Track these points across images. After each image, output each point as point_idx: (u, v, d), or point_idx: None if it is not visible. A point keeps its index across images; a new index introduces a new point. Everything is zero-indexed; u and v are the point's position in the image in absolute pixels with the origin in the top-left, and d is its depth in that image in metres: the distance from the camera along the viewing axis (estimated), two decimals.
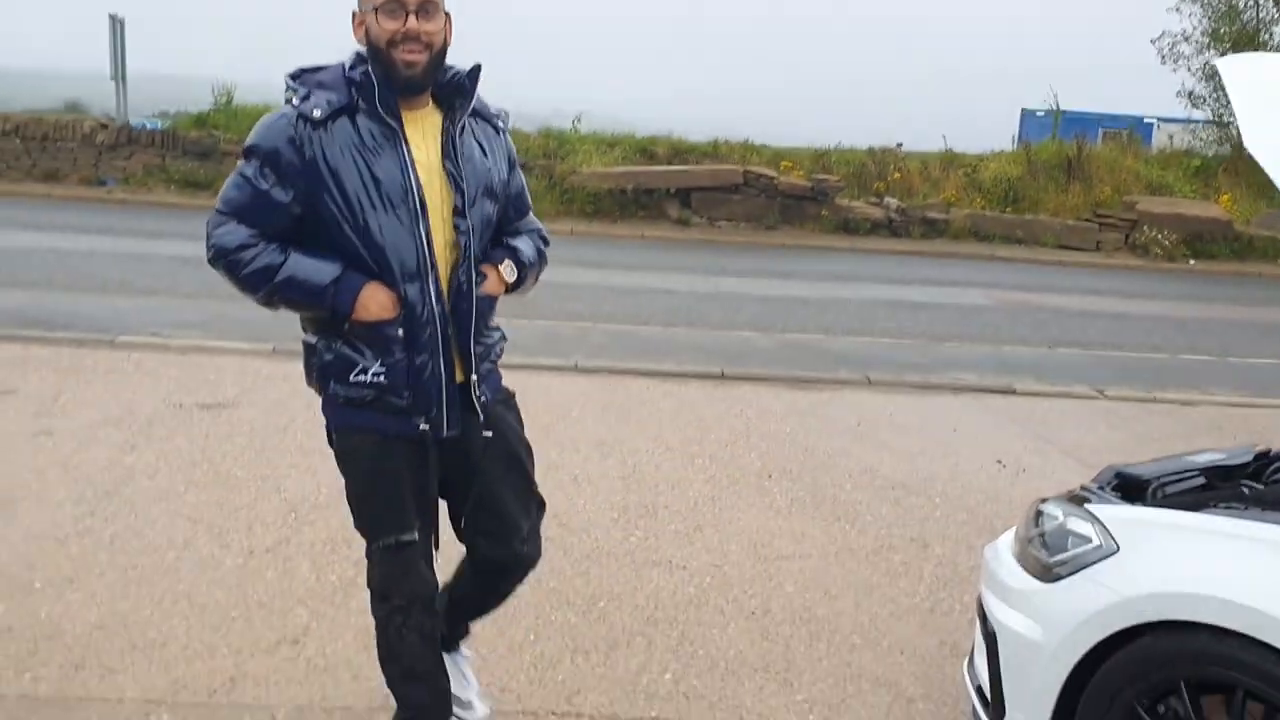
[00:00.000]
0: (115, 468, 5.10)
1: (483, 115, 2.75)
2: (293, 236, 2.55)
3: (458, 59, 2.68)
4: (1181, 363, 9.59)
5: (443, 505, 2.87)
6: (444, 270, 2.61)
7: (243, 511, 4.68)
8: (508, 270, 2.78)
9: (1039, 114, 25.11)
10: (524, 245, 2.89)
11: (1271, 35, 22.56)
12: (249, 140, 2.55)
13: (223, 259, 2.53)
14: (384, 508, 2.67)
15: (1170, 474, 3.09)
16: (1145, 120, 25.14)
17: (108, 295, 9.15)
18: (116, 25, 17.21)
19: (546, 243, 3.01)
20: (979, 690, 3.10)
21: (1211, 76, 21.62)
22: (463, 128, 2.67)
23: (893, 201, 17.80)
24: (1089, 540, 2.79)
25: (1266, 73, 3.24)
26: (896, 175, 19.00)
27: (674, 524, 4.93)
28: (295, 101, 2.50)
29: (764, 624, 4.02)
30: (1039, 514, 3.08)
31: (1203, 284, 15.46)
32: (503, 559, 2.90)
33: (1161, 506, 2.90)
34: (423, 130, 2.61)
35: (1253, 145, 3.01)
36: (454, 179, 2.62)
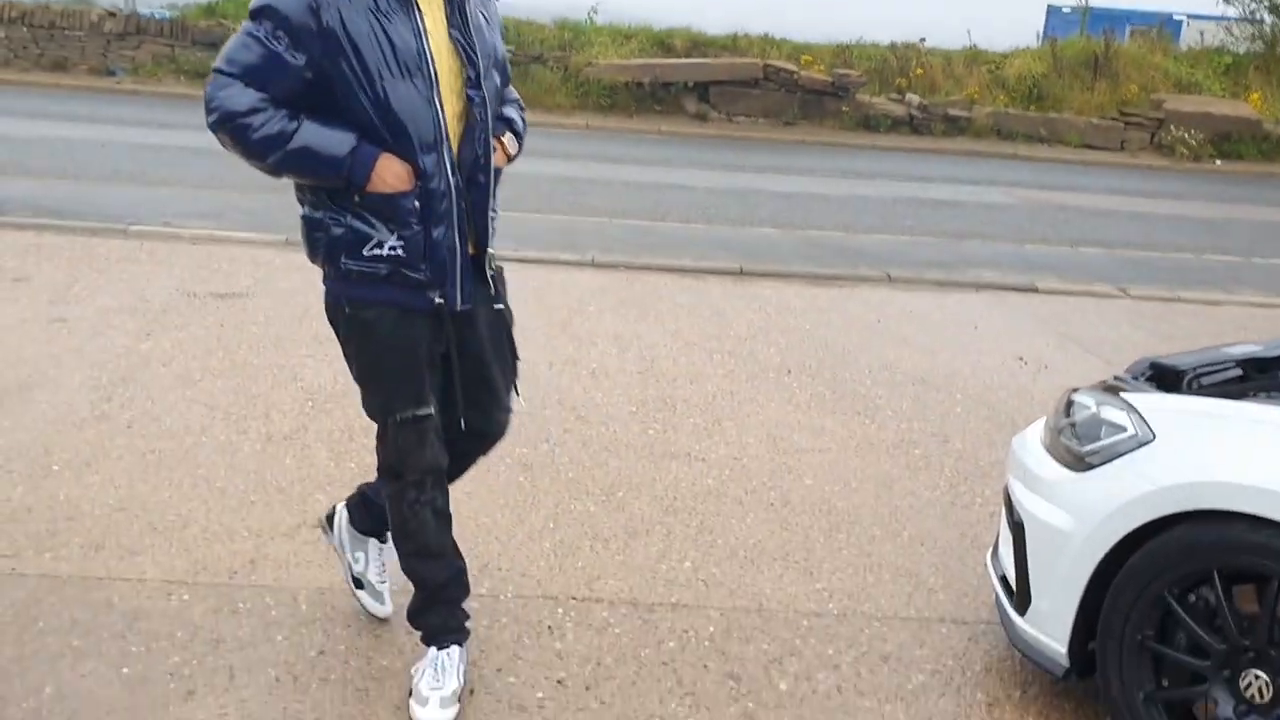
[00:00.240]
0: (130, 355, 5.06)
1: None
2: (300, 103, 2.46)
3: None
4: (1206, 263, 9.44)
5: None
6: (454, 142, 2.56)
7: (259, 399, 4.66)
8: (510, 143, 2.76)
9: (1065, 10, 24.39)
10: (515, 116, 2.85)
11: None
12: (260, 1, 2.43)
13: (229, 122, 2.42)
14: (399, 381, 2.63)
15: (1206, 365, 3.02)
16: (1175, 17, 24.40)
17: (120, 185, 9.04)
18: None
19: (524, 112, 2.97)
20: (1003, 580, 3.08)
21: None
22: None
23: (914, 98, 17.41)
24: (1124, 429, 2.73)
25: None
26: (919, 71, 18.53)
27: (692, 417, 4.89)
28: None
29: (783, 515, 4.01)
30: (1070, 403, 3.02)
31: (1229, 184, 15.17)
32: (485, 429, 2.86)
33: (1198, 396, 2.83)
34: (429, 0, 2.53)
35: None
36: (465, 50, 2.55)
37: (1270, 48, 19.73)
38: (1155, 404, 2.74)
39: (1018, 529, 2.93)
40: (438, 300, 2.57)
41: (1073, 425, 2.93)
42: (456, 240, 2.57)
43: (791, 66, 17.02)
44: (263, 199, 7.35)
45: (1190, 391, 2.90)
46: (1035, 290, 7.81)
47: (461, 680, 2.75)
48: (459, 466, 2.91)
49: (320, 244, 2.57)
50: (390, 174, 2.46)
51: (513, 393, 2.89)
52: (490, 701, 2.79)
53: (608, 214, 9.50)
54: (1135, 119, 17.44)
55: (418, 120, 2.47)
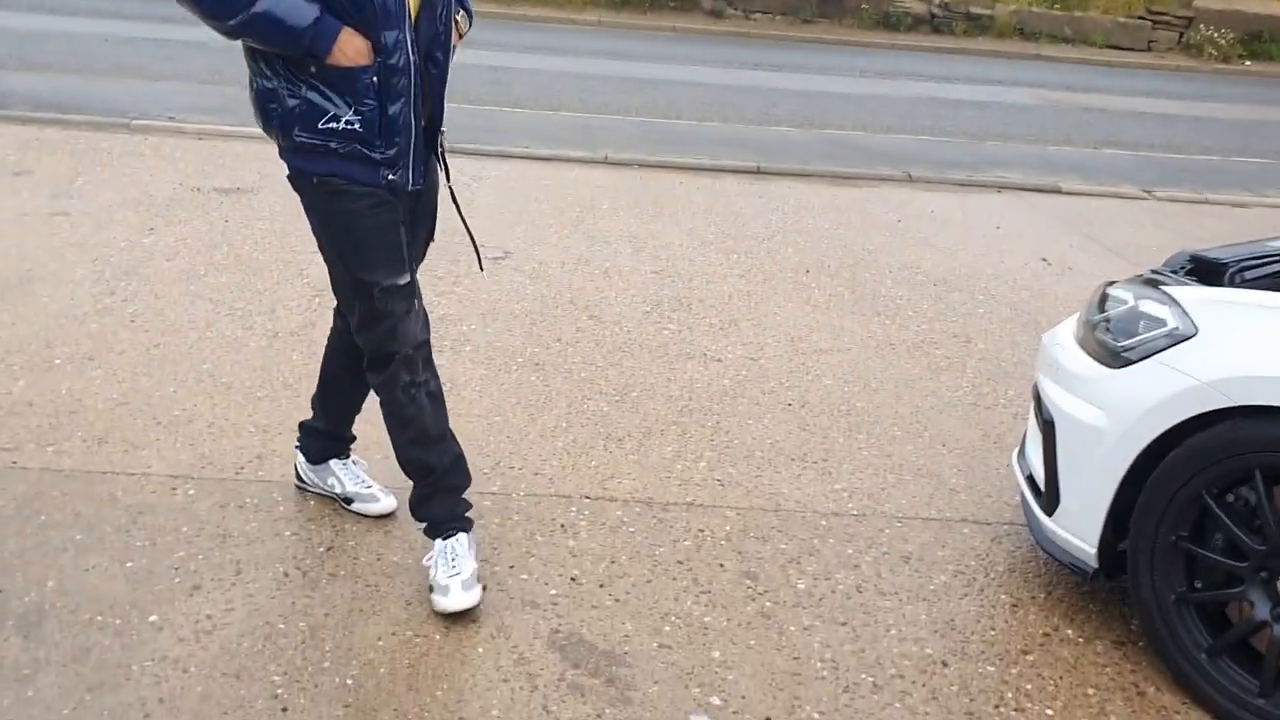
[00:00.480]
0: (134, 249, 4.95)
1: None
2: None
3: None
4: (1234, 165, 9.20)
5: None
6: (415, 16, 2.49)
7: (265, 295, 4.55)
8: (463, 21, 2.71)
9: None
10: None
11: None
12: None
13: None
14: (379, 250, 2.57)
15: (1249, 258, 2.88)
16: None
17: (122, 79, 8.82)
18: None
19: None
20: (1030, 480, 2.99)
21: None
22: None
23: None
24: (1163, 323, 2.61)
25: None
26: None
27: (708, 318, 4.77)
28: None
29: (801, 415, 3.91)
30: (1105, 297, 2.90)
31: (1258, 85, 14.78)
32: None
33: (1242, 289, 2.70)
34: None
35: None
36: None
37: None
38: (1197, 296, 2.62)
39: (1047, 427, 2.82)
40: (390, 178, 2.52)
41: (1107, 320, 2.81)
42: (412, 119, 2.51)
43: None
44: None
45: (1233, 285, 2.77)
46: (1059, 191, 7.62)
47: (476, 562, 2.70)
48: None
49: (274, 115, 2.50)
50: (351, 48, 2.40)
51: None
52: (503, 598, 2.72)
53: (621, 111, 9.28)
54: (1163, 18, 16.96)
55: None
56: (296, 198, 2.64)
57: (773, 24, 15.96)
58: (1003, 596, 2.94)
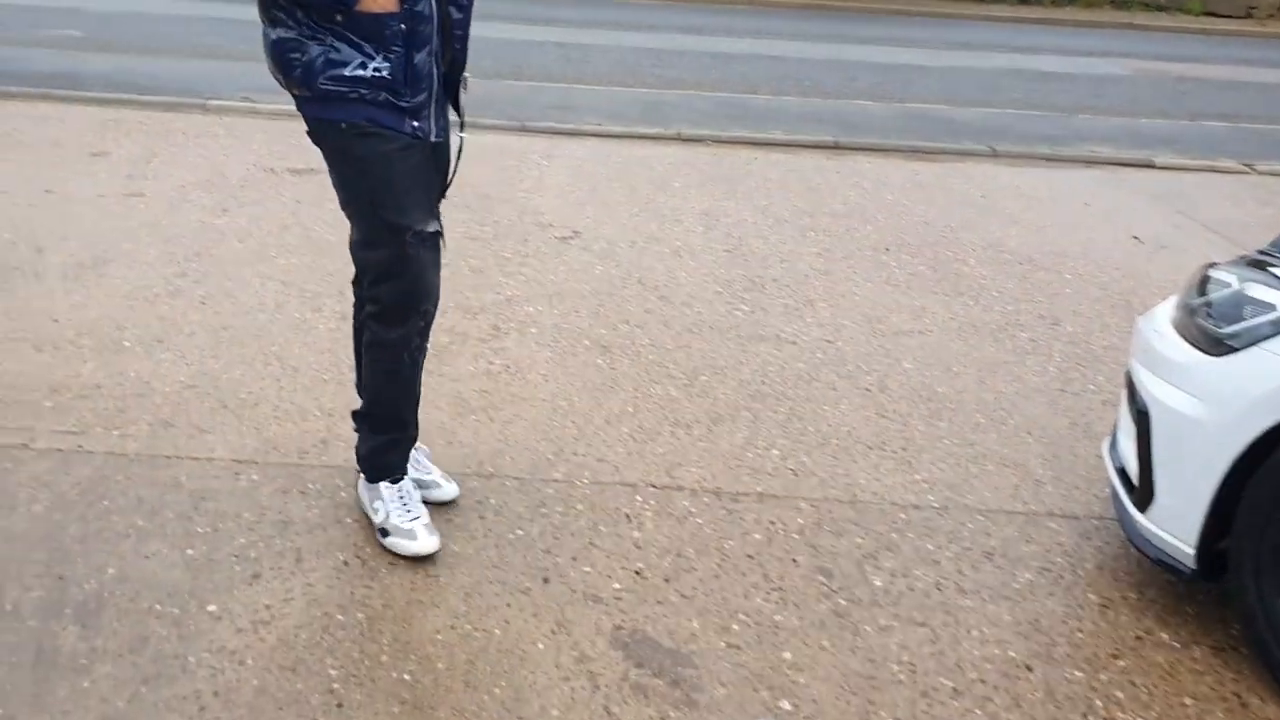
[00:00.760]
0: (206, 230, 4.95)
1: None
2: None
3: None
4: None
5: None
6: None
7: (335, 276, 4.51)
8: None
9: None
10: None
11: None
12: None
13: None
14: (413, 192, 2.54)
15: None
16: None
17: (199, 59, 8.92)
18: None
19: None
20: (1122, 473, 2.82)
21: None
22: None
23: None
24: (1272, 308, 2.42)
25: None
26: None
27: (783, 298, 4.63)
28: None
29: (880, 401, 3.76)
30: (1207, 279, 2.71)
31: None
32: None
33: None
34: None
35: None
36: None
37: None
38: None
39: (1141, 417, 2.65)
40: (415, 125, 2.49)
41: (1208, 304, 2.62)
42: (434, 68, 2.49)
43: None
44: None
45: None
46: (1152, 166, 7.30)
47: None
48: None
49: (296, 65, 2.43)
50: None
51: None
52: (564, 591, 2.64)
53: (695, 87, 9.13)
54: None
55: None
56: None
57: None
58: (1091, 596, 2.78)
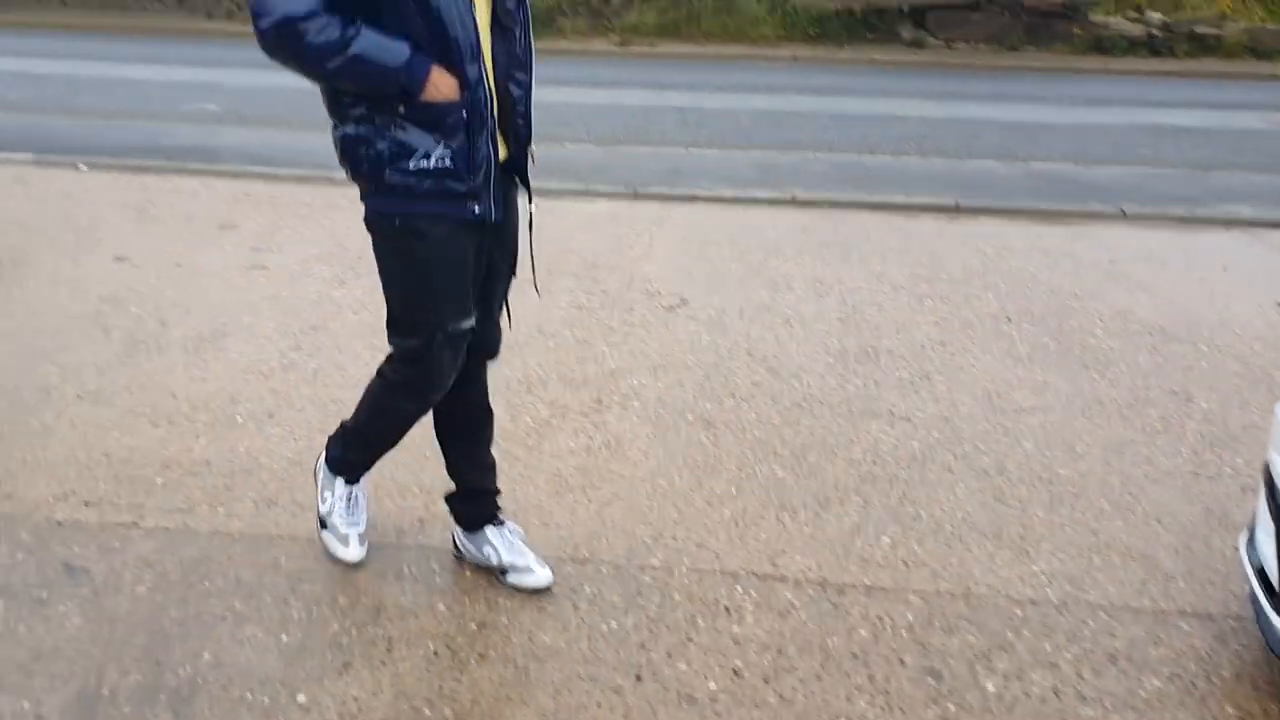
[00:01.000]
0: (324, 302, 5.05)
1: None
2: (349, 12, 2.39)
3: None
4: None
5: None
6: (487, 50, 2.51)
7: None
8: None
9: None
10: None
11: None
12: None
13: (287, 26, 2.35)
14: (448, 294, 2.60)
15: None
16: None
17: (329, 132, 9.19)
18: None
19: None
20: (1260, 573, 2.60)
21: None
22: None
23: (1156, 16, 15.94)
24: None
25: None
26: None
27: (897, 370, 4.49)
28: None
29: (998, 484, 3.59)
30: None
31: None
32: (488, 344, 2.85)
33: None
34: None
35: None
36: None
37: None
38: None
39: None
40: (477, 210, 2.53)
41: None
42: (491, 150, 2.53)
43: None
44: None
45: None
46: None
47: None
48: (471, 388, 2.87)
49: (363, 160, 2.52)
50: (445, 84, 2.42)
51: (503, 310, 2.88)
52: (657, 690, 2.54)
53: (812, 148, 9.04)
54: None
55: (462, 32, 2.42)
56: None
57: (976, 53, 15.36)
58: (1228, 708, 2.56)
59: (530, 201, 2.72)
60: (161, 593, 2.85)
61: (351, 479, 3.00)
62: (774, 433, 3.90)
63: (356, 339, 4.62)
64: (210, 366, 4.29)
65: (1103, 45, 15.41)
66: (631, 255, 5.92)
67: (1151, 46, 15.49)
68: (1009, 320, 5.09)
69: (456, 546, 3.04)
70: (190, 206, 6.60)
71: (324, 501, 3.01)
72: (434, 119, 2.44)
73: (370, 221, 2.63)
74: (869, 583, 3.01)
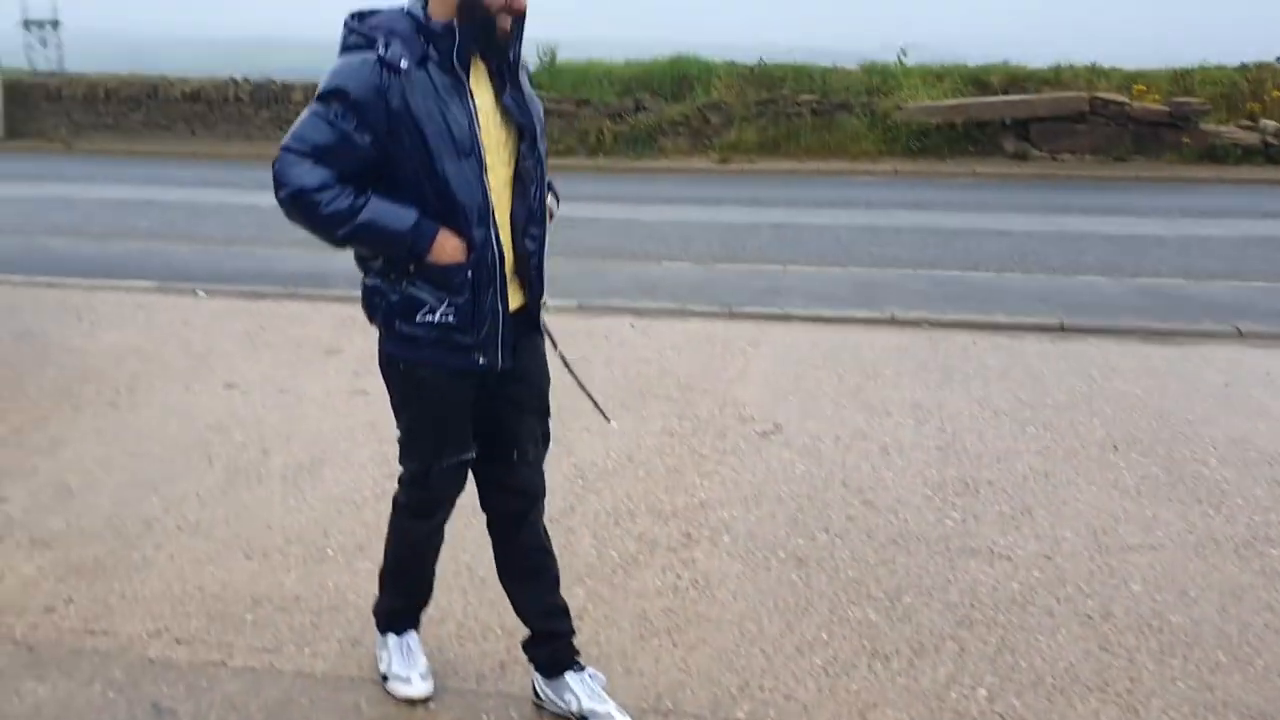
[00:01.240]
0: None
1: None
2: (362, 180, 2.57)
3: None
4: None
5: None
6: (502, 208, 2.66)
7: None
8: (552, 203, 2.88)
9: None
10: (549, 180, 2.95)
11: None
12: (331, 84, 2.54)
13: (303, 197, 2.53)
14: (449, 434, 2.80)
15: None
16: None
17: None
18: None
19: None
20: None
21: None
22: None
23: (1271, 124, 15.59)
24: None
25: None
26: (1276, 94, 16.62)
27: (997, 504, 4.34)
28: (380, 50, 2.50)
29: (1103, 631, 3.41)
30: None
31: None
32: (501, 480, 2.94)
33: None
34: (475, 75, 2.62)
35: None
36: (521, 116, 2.67)
37: None
38: None
39: None
40: (482, 361, 2.69)
41: None
42: (499, 304, 2.68)
43: (1122, 98, 15.74)
44: (570, 268, 7.41)
45: None
46: None
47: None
48: (523, 533, 3.00)
49: (379, 309, 2.73)
50: (450, 246, 2.58)
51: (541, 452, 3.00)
52: None
53: (911, 265, 8.99)
54: None
55: (470, 197, 2.59)
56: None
57: (1082, 164, 15.20)
58: None
59: (554, 346, 2.91)
60: None
61: (399, 630, 3.12)
62: (868, 572, 3.78)
63: None
64: (306, 496, 4.37)
65: (1215, 154, 15.13)
66: (725, 377, 5.90)
67: (1267, 155, 15.16)
68: (1115, 449, 4.91)
69: (537, 693, 2.99)
70: (299, 332, 6.80)
71: (381, 661, 3.12)
72: (441, 278, 2.61)
73: (381, 364, 2.82)
74: None
